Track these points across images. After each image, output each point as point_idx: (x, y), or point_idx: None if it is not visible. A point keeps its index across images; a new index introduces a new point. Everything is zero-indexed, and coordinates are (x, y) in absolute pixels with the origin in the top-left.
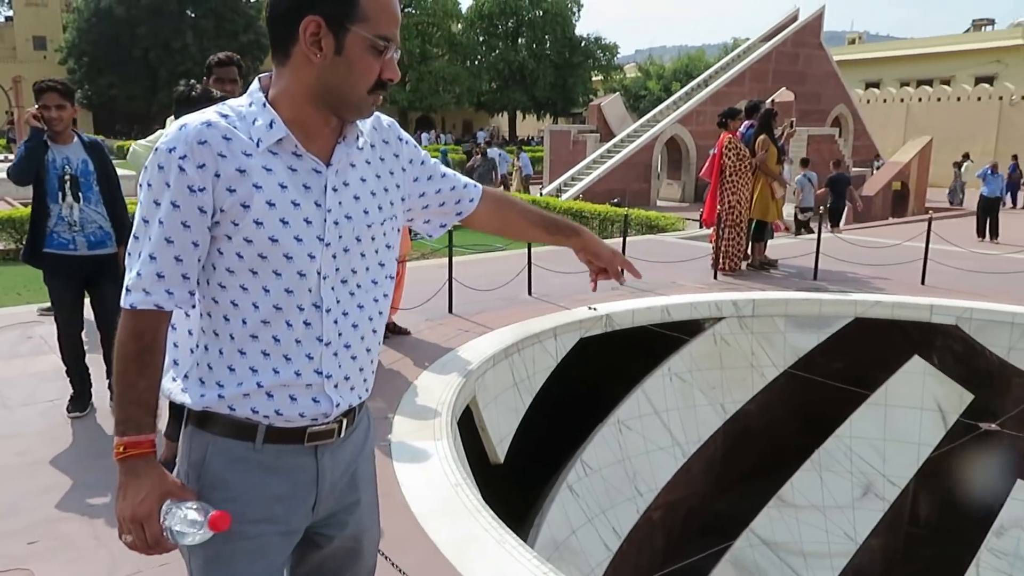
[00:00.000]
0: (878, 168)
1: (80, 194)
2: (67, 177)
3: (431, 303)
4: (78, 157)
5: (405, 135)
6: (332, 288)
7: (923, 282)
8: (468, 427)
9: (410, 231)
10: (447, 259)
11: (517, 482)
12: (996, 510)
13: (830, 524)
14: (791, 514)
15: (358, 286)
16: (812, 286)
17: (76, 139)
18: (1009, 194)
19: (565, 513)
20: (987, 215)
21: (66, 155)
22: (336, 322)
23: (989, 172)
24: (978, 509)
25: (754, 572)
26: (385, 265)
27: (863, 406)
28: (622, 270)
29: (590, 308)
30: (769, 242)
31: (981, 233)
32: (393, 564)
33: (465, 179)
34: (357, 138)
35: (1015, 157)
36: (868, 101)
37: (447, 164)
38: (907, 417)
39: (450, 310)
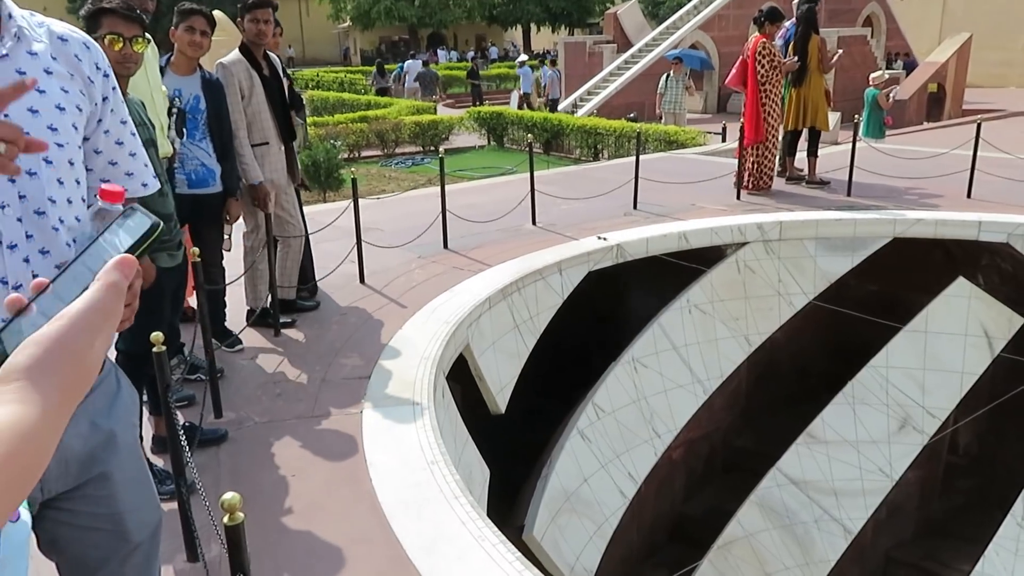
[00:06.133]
0: (902, 70)
1: (184, 129)
2: (174, 109)
3: (424, 238)
4: (191, 92)
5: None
6: None
7: (969, 195)
8: (464, 377)
9: None
10: (439, 188)
11: (523, 432)
12: None
13: (864, 460)
14: (821, 450)
15: None
16: (845, 204)
17: (197, 73)
18: None
19: (576, 460)
20: None
21: (179, 86)
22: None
23: None
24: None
25: (782, 513)
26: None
27: (901, 333)
28: None
29: (599, 238)
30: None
31: None
32: None
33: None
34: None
35: None
36: None
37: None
38: (950, 344)
39: (445, 245)
